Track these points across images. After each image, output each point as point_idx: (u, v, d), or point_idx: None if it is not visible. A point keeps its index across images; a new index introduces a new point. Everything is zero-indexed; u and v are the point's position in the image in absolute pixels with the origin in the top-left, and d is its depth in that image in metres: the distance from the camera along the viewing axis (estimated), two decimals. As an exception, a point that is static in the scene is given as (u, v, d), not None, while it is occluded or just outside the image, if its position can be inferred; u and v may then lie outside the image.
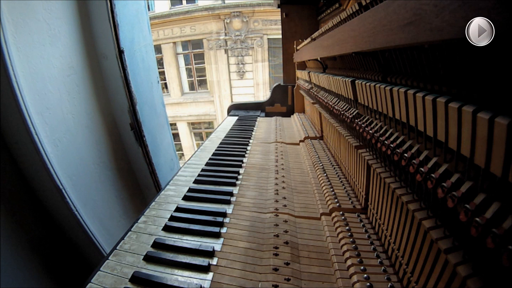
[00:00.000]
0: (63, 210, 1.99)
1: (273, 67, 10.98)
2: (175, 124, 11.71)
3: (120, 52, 2.53)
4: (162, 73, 11.55)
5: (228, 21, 10.50)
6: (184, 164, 2.11)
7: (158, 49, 11.24)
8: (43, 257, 1.90)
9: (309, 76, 2.67)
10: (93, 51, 2.50)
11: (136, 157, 2.88)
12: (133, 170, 2.94)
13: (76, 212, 2.02)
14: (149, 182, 3.02)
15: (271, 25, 10.42)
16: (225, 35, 10.69)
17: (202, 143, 2.67)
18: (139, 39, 2.99)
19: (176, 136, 11.96)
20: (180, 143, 11.94)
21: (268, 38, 10.69)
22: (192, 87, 11.68)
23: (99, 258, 2.13)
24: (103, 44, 2.52)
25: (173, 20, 10.70)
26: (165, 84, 11.58)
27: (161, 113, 3.53)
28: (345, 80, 1.42)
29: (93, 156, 2.41)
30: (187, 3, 10.92)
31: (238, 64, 10.97)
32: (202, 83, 11.63)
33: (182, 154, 11.95)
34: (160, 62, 11.42)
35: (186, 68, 11.48)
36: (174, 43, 11.06)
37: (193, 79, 11.56)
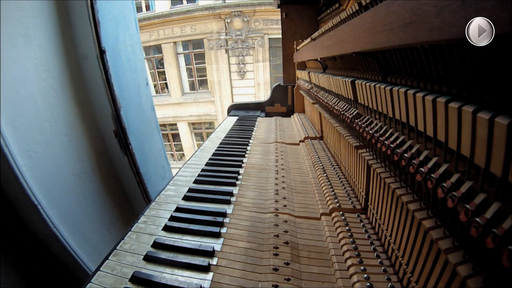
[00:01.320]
0: (41, 227, 1.81)
1: (274, 67, 10.95)
2: (175, 124, 11.70)
3: (102, 52, 2.28)
4: (162, 73, 11.53)
5: (228, 21, 10.46)
6: (184, 164, 2.11)
7: (158, 49, 11.22)
8: (25, 274, 1.77)
9: (309, 76, 2.67)
10: (73, 51, 2.26)
11: (122, 167, 2.64)
12: (120, 180, 2.68)
13: (55, 230, 1.83)
14: (137, 193, 2.77)
15: (272, 25, 10.37)
16: (226, 34, 10.66)
17: (202, 143, 2.67)
18: (125, 38, 2.71)
19: (176, 136, 11.97)
20: (181, 143, 11.94)
21: (269, 38, 10.65)
22: (192, 87, 11.66)
23: (83, 275, 1.98)
24: (83, 43, 2.28)
25: (173, 19, 10.67)
26: (166, 84, 11.57)
27: (151, 118, 3.22)
28: (345, 80, 1.42)
29: (74, 167, 2.18)
30: (187, 3, 10.90)
31: (239, 64, 10.94)
32: (203, 83, 11.62)
33: (183, 155, 11.95)
34: (160, 62, 11.41)
35: (186, 68, 11.44)
36: (175, 43, 11.04)
37: (193, 79, 11.54)
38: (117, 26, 2.59)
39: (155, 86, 11.76)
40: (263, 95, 10.82)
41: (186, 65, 11.43)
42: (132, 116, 2.68)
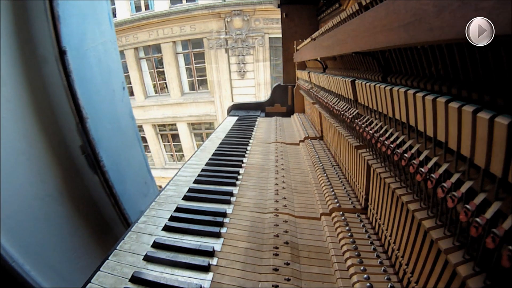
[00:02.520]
0: (-1, 261, 1.51)
1: (275, 67, 10.88)
2: (175, 125, 11.69)
3: (62, 53, 1.89)
4: (162, 73, 11.49)
5: (228, 20, 10.38)
6: (184, 164, 2.11)
7: (157, 48, 11.17)
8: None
9: (309, 76, 2.67)
10: (33, 54, 1.89)
11: (94, 187, 2.26)
12: (94, 202, 2.29)
13: (13, 264, 1.57)
14: (113, 215, 2.39)
15: (273, 24, 10.26)
16: (226, 34, 10.58)
17: (202, 144, 2.66)
18: (94, 35, 2.29)
19: (176, 137, 11.94)
20: (180, 144, 11.91)
21: (269, 37, 10.55)
22: (192, 87, 11.62)
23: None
24: (44, 44, 1.91)
25: (172, 19, 10.59)
26: (165, 84, 11.54)
27: (128, 128, 2.72)
28: (345, 80, 1.42)
29: (36, 189, 1.86)
30: (187, 2, 10.82)
31: (239, 63, 10.87)
32: (203, 83, 11.58)
33: (183, 155, 11.94)
34: (160, 62, 11.38)
35: (186, 68, 11.40)
36: (174, 42, 10.98)
37: (193, 79, 11.50)
38: (84, 22, 2.19)
39: (154, 86, 11.74)
40: (264, 95, 10.76)
41: (185, 65, 11.37)
42: (103, 127, 2.27)
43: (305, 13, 3.96)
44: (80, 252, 2.07)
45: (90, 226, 2.22)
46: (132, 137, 2.79)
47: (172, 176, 1.90)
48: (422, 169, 0.71)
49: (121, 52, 11.22)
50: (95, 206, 2.29)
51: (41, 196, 1.88)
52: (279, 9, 4.05)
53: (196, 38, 10.91)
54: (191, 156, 2.29)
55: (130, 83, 11.48)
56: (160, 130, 11.99)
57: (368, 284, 0.92)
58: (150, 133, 11.82)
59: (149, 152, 12.13)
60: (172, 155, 12.22)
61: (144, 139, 12.08)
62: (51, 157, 1.98)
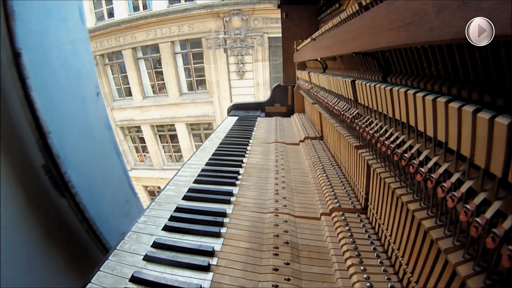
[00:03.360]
0: None
1: (274, 67, 10.78)
2: (173, 125, 11.65)
3: (16, 56, 1.64)
4: (160, 73, 11.40)
5: (227, 19, 10.25)
6: (184, 164, 2.11)
7: (156, 48, 11.06)
8: None
9: (309, 76, 2.67)
10: None
11: (64, 211, 1.98)
12: (67, 226, 2.00)
13: None
14: (89, 242, 2.11)
15: (272, 24, 10.07)
16: (224, 33, 10.46)
17: (201, 144, 2.66)
18: (60, 33, 1.97)
19: (174, 138, 11.87)
20: (179, 145, 11.84)
21: (268, 37, 10.43)
22: (190, 87, 11.52)
23: None
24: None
25: (171, 18, 10.44)
26: (163, 84, 11.43)
27: (104, 140, 2.38)
28: (345, 80, 1.42)
29: None
30: (185, 1, 10.70)
31: (238, 63, 10.76)
32: (201, 83, 11.50)
33: (181, 156, 11.91)
34: (158, 62, 11.28)
35: (184, 68, 11.30)
36: (172, 42, 10.87)
37: (191, 79, 11.41)
38: (47, 18, 1.90)
39: (152, 86, 11.65)
40: (263, 95, 10.65)
41: (184, 65, 11.28)
42: (71, 142, 1.96)
43: (305, 13, 3.96)
44: (53, 281, 1.84)
45: (64, 253, 1.94)
46: (110, 150, 2.37)
47: (172, 176, 1.90)
48: (422, 169, 0.71)
49: (119, 52, 11.13)
50: (68, 231, 1.99)
51: (3, 224, 1.61)
52: (279, 9, 4.05)
53: (195, 38, 10.80)
54: (191, 156, 2.29)
55: (128, 84, 11.43)
56: (158, 131, 11.91)
57: (368, 284, 0.92)
58: (148, 134, 11.75)
59: (147, 153, 12.09)
60: (170, 155, 12.19)
61: (142, 140, 12.03)
62: (12, 179, 1.71)
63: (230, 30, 10.40)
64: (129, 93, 11.64)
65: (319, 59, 2.26)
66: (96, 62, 11.17)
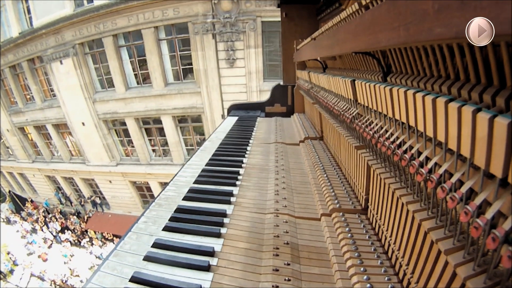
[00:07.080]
0: None
1: (268, 54, 9.45)
2: (158, 118, 10.73)
3: None
4: (143, 62, 10.21)
5: (216, 1, 8.88)
6: (184, 165, 2.11)
7: (138, 35, 9.89)
8: None
9: (309, 76, 2.66)
10: None
11: None
12: None
13: None
14: None
15: (266, 7, 8.65)
16: (213, 17, 9.04)
17: (199, 146, 2.66)
18: None
19: (161, 131, 11.00)
20: (165, 138, 10.99)
21: (262, 21, 9.02)
22: (177, 77, 10.26)
23: None
24: None
25: (154, 2, 9.12)
26: (147, 74, 10.36)
27: None
28: (345, 80, 1.42)
29: None
30: (168, -19, 9.23)
31: (228, 50, 9.37)
32: (188, 72, 10.18)
33: (168, 150, 11.13)
34: (143, 50, 10.01)
35: (170, 56, 10.01)
36: (156, 27, 9.59)
37: (177, 68, 10.11)
38: None
39: (136, 76, 10.56)
40: (255, 85, 9.61)
41: (169, 52, 10.01)
42: None
43: (305, 13, 3.96)
44: None
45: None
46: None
47: (172, 177, 1.90)
48: (422, 170, 0.71)
49: (99, 40, 10.11)
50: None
51: None
52: (279, 9, 4.05)
53: (180, 22, 9.43)
54: (191, 156, 2.29)
55: (110, 74, 10.42)
56: (144, 124, 11.07)
57: (369, 285, 0.92)
58: (132, 127, 10.92)
59: (133, 147, 11.40)
60: (156, 150, 11.36)
61: (126, 133, 11.26)
62: None
63: (219, 14, 9.10)
64: (112, 84, 10.72)
65: (319, 58, 2.25)
66: (76, 51, 10.28)
